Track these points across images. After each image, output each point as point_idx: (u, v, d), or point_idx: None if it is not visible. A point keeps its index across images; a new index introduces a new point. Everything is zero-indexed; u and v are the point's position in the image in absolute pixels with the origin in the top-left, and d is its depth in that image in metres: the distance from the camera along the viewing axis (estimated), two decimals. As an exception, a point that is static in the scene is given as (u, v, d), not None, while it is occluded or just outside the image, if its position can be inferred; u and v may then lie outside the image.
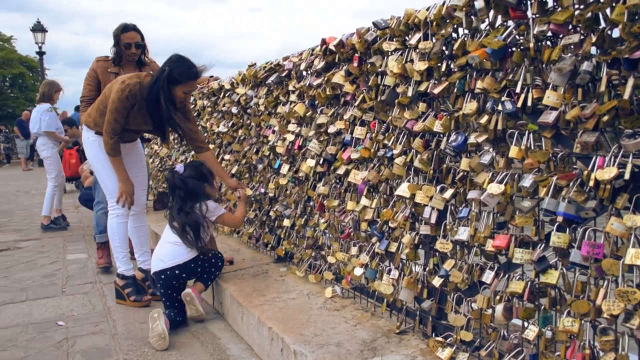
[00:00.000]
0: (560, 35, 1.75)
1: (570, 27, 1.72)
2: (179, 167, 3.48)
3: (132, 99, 3.30)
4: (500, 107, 1.96)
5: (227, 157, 4.54)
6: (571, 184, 1.71)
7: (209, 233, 3.48)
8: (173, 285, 3.29)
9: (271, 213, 3.81)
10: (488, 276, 2.04)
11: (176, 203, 3.40)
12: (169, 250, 3.33)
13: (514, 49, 1.93)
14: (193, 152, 5.60)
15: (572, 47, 1.71)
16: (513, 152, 1.90)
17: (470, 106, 2.09)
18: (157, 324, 2.98)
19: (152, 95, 3.29)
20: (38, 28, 20.66)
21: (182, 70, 3.27)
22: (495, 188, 1.93)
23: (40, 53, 21.39)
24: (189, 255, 3.29)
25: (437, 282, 2.28)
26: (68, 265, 4.85)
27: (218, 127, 4.73)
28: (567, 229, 1.73)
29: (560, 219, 1.72)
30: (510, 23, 1.94)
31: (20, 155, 18.68)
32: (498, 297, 2.00)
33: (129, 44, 4.22)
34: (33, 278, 4.45)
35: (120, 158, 3.48)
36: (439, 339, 2.24)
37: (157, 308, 3.48)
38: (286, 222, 3.57)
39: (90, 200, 6.34)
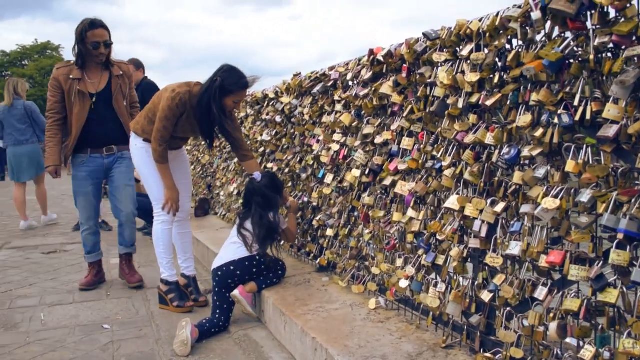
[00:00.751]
0: (623, 47, 1.70)
1: (634, 38, 1.67)
2: (257, 175, 3.61)
3: (182, 107, 3.36)
4: (556, 120, 1.91)
5: (269, 165, 4.57)
6: (633, 200, 1.66)
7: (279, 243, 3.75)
8: (228, 285, 3.38)
9: (314, 222, 3.81)
10: (541, 292, 2.00)
11: (255, 210, 3.51)
12: (229, 249, 3.51)
13: (571, 60, 1.89)
14: (235, 160, 5.67)
15: (635, 59, 1.66)
16: (570, 166, 1.86)
17: (524, 119, 2.05)
18: (183, 332, 3.03)
19: (202, 104, 3.34)
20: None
21: (233, 80, 3.32)
22: (550, 203, 1.89)
23: (86, 61, 21.92)
24: (245, 253, 3.42)
25: (486, 296, 2.24)
26: (112, 269, 4.93)
27: (261, 135, 4.76)
28: (628, 247, 1.68)
29: (620, 236, 1.67)
30: (569, 34, 1.90)
31: (66, 160, 19.14)
32: (551, 315, 1.95)
33: (97, 43, 3.88)
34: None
35: (168, 165, 3.54)
36: (488, 354, 2.19)
37: (198, 315, 3.53)
38: (329, 232, 3.56)
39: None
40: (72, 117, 4.00)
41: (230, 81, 3.34)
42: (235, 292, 3.32)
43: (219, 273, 3.41)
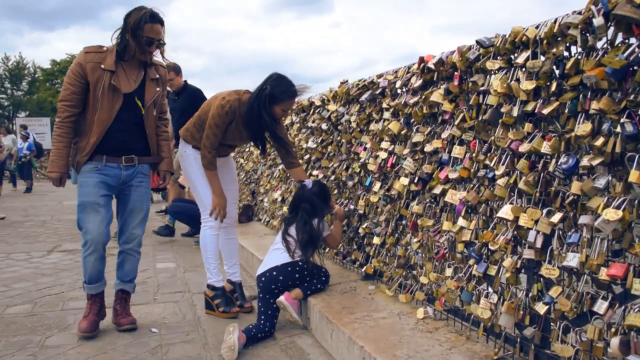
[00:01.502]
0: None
1: None
2: (308, 182, 3.68)
3: (231, 115, 3.41)
4: (618, 129, 1.86)
5: (315, 172, 4.58)
6: (703, 212, 1.60)
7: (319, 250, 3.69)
8: (271, 290, 3.39)
9: (360, 230, 3.79)
10: (601, 306, 1.94)
11: (301, 216, 3.56)
12: (272, 255, 3.56)
13: (636, 67, 1.84)
14: (280, 167, 5.70)
15: None
16: (633, 176, 1.80)
17: (583, 127, 2.00)
18: (231, 337, 3.05)
19: (252, 111, 3.39)
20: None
21: (283, 89, 3.37)
22: (612, 214, 1.84)
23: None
24: (287, 258, 3.45)
25: (541, 309, 2.19)
26: (158, 274, 5.02)
27: (307, 143, 4.78)
28: (698, 261, 1.62)
29: (689, 249, 1.61)
30: (633, 40, 1.85)
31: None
32: (613, 329, 1.89)
33: (151, 40, 3.22)
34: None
35: (216, 172, 3.58)
36: (543, 369, 2.14)
37: (243, 321, 3.54)
38: (376, 240, 3.54)
39: (179, 212, 6.59)
40: (95, 116, 3.23)
41: (279, 90, 3.38)
42: (281, 299, 3.33)
43: (263, 279, 3.43)
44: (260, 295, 3.43)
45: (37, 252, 6.15)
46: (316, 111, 4.62)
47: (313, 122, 4.69)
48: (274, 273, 3.41)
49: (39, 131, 23.76)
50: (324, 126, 4.40)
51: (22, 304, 4.09)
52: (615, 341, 1.83)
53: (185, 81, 6.60)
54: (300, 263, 3.45)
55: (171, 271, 5.17)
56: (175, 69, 6.45)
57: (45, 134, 24.63)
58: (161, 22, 3.29)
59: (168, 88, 6.22)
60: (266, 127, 3.47)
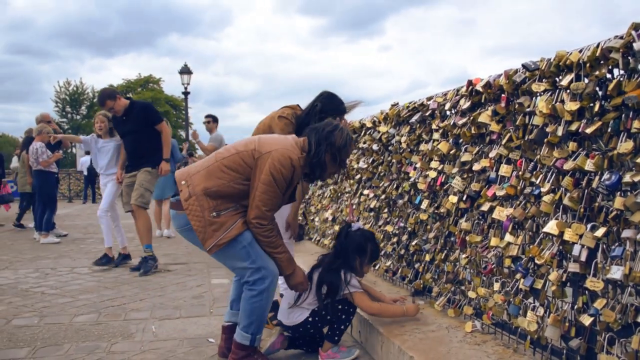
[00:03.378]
0: None
1: None
2: (355, 225, 3.38)
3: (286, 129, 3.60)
4: (659, 147, 1.95)
5: (365, 192, 4.73)
6: None
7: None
8: (296, 342, 3.40)
9: (410, 247, 3.91)
10: (644, 317, 2.01)
11: (329, 256, 3.35)
12: (285, 310, 3.32)
13: (675, 89, 1.93)
14: (331, 187, 5.87)
15: None
16: (673, 191, 1.89)
17: (625, 145, 2.10)
18: (268, 341, 3.25)
19: (302, 128, 3.56)
20: (185, 70, 22.38)
21: (333, 106, 3.54)
22: (653, 227, 1.92)
23: (186, 93, 23.10)
24: (304, 315, 3.23)
25: (586, 320, 2.26)
26: (213, 289, 5.23)
27: (358, 163, 4.94)
28: None
29: None
30: (672, 63, 1.95)
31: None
32: (656, 339, 1.96)
33: (344, 163, 3.09)
34: (184, 298, 4.85)
35: None
36: (588, 379, 2.21)
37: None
38: (426, 257, 3.65)
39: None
40: None
41: (329, 107, 3.54)
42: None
43: (284, 331, 3.34)
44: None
45: (98, 267, 6.47)
46: (367, 132, 4.79)
47: (364, 142, 4.85)
48: (290, 331, 3.32)
49: (96, 153, 24.46)
50: (374, 147, 4.55)
51: (88, 314, 4.36)
52: (657, 349, 1.90)
53: (130, 99, 6.32)
54: (315, 310, 3.22)
55: (225, 286, 5.36)
56: (110, 96, 6.01)
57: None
58: None
59: (114, 114, 6.16)
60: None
